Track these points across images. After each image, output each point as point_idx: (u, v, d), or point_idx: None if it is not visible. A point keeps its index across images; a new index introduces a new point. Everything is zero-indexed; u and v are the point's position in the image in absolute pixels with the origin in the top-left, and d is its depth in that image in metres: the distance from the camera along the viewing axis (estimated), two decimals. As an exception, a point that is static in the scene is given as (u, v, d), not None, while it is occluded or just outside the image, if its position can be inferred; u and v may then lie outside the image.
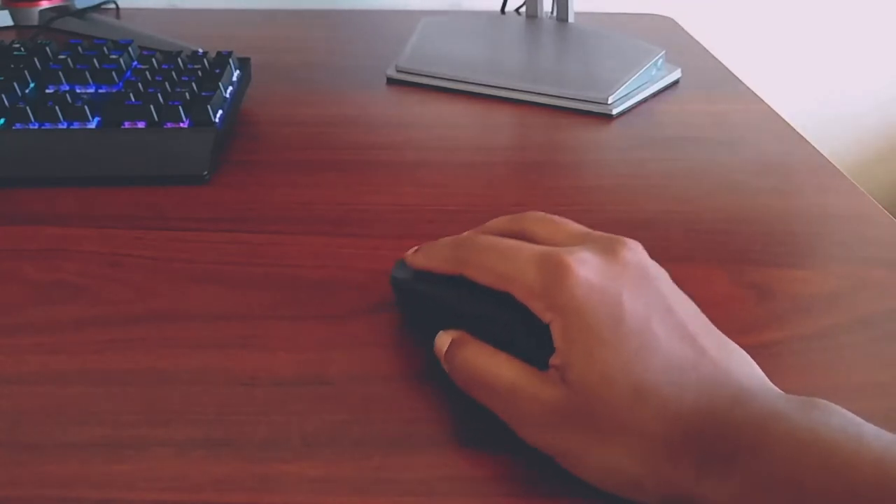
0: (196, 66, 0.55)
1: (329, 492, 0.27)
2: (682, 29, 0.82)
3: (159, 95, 0.50)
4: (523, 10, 0.74)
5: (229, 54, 0.57)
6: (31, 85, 0.53)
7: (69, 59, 0.55)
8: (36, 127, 0.48)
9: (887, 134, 1.07)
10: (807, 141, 0.55)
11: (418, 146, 0.53)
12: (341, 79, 0.65)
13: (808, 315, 0.37)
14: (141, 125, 0.49)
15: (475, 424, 0.30)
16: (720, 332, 0.29)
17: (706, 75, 0.68)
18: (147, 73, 0.53)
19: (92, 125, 0.49)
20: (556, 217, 0.33)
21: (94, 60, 0.55)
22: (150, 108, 0.49)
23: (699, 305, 0.29)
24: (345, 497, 0.27)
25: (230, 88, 0.54)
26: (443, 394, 0.31)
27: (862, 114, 1.05)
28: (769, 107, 0.61)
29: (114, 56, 0.56)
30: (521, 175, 0.50)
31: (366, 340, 0.34)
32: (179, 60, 0.56)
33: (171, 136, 0.48)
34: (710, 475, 0.24)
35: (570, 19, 0.70)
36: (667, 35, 0.78)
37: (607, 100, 0.58)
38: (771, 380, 0.28)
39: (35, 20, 0.77)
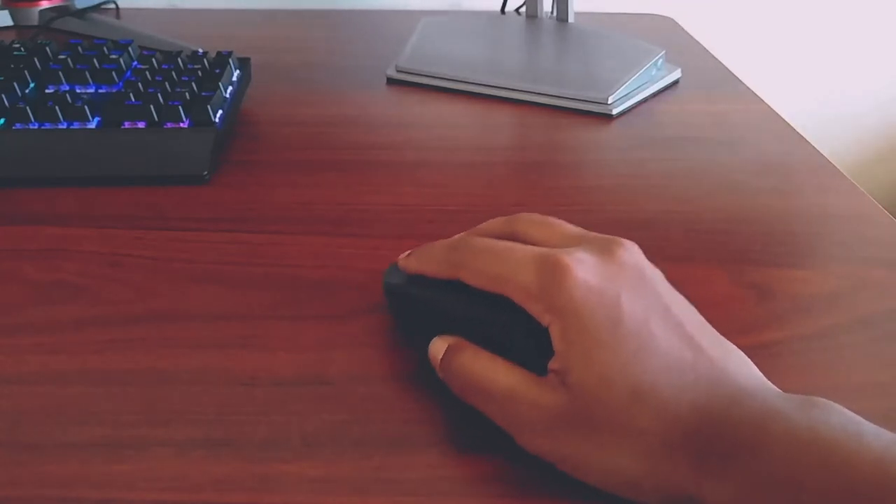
0: (196, 66, 0.55)
1: (329, 492, 0.27)
2: (682, 29, 0.82)
3: (159, 95, 0.50)
4: (523, 10, 0.74)
5: (229, 54, 0.57)
6: (31, 85, 0.53)
7: (69, 59, 0.55)
8: (36, 127, 0.48)
9: (887, 134, 1.07)
10: (807, 141, 0.55)
11: (418, 146, 0.53)
12: (341, 79, 0.65)
13: (808, 315, 0.37)
14: (141, 125, 0.49)
15: (475, 424, 0.30)
16: (717, 332, 0.29)
17: (706, 75, 0.68)
18: (147, 73, 0.54)
19: (92, 125, 0.49)
20: (550, 218, 0.33)
21: (94, 60, 0.55)
22: (150, 108, 0.49)
23: (699, 305, 0.29)
24: (345, 497, 0.27)
25: (230, 88, 0.54)
26: (443, 394, 0.31)
27: (862, 114, 1.05)
28: (769, 107, 0.61)
29: (114, 56, 0.56)
30: (521, 175, 0.50)
31: (366, 340, 0.34)
32: (179, 60, 0.56)
33: (171, 136, 0.48)
34: (710, 475, 0.24)
35: (570, 19, 0.70)
36: (667, 35, 0.78)
37: (607, 100, 0.58)
38: (771, 380, 0.28)
39: (35, 20, 0.77)
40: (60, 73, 0.53)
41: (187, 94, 0.50)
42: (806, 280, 0.40)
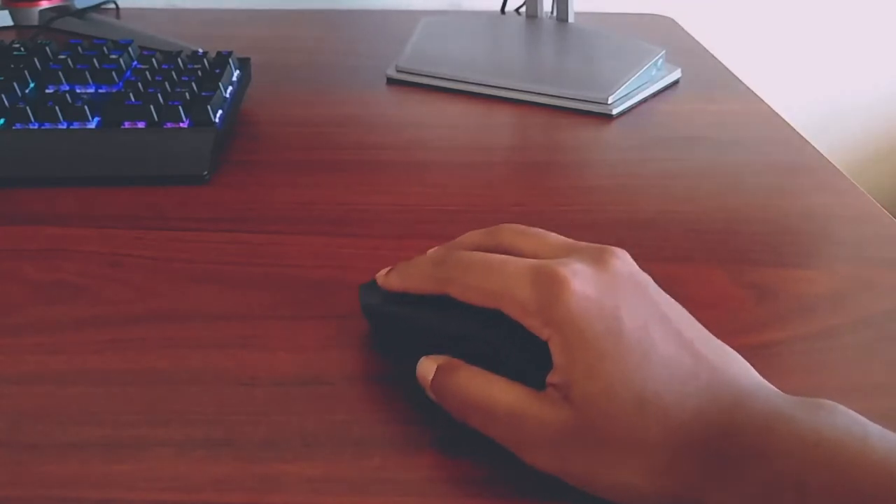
0: (196, 66, 0.55)
1: (329, 492, 0.27)
2: (682, 29, 0.82)
3: (159, 95, 0.50)
4: (523, 10, 0.74)
5: (229, 54, 0.57)
6: (31, 85, 0.53)
7: (69, 59, 0.55)
8: (36, 127, 0.48)
9: (887, 134, 1.07)
10: (807, 141, 0.55)
11: (418, 146, 0.53)
12: (341, 79, 0.65)
13: (809, 315, 0.37)
14: (141, 125, 0.49)
15: (475, 424, 0.30)
16: (714, 337, 0.28)
17: (706, 75, 0.68)
18: (147, 73, 0.53)
19: (92, 125, 0.49)
20: (534, 229, 0.32)
21: (94, 60, 0.55)
22: (150, 108, 0.49)
23: (699, 305, 0.29)
24: (345, 497, 0.27)
25: (230, 88, 0.54)
26: (443, 394, 0.31)
27: (862, 114, 1.05)
28: (769, 107, 0.61)
29: (114, 56, 0.56)
30: (521, 175, 0.50)
31: (366, 340, 0.34)
32: (179, 60, 0.56)
33: (171, 136, 0.48)
34: (717, 479, 0.24)
35: (570, 19, 0.70)
36: (667, 35, 0.78)
37: (607, 100, 0.58)
38: (771, 380, 0.28)
39: (35, 20, 0.77)
40: (60, 73, 0.53)
41: (187, 94, 0.50)
42: (806, 280, 0.40)
